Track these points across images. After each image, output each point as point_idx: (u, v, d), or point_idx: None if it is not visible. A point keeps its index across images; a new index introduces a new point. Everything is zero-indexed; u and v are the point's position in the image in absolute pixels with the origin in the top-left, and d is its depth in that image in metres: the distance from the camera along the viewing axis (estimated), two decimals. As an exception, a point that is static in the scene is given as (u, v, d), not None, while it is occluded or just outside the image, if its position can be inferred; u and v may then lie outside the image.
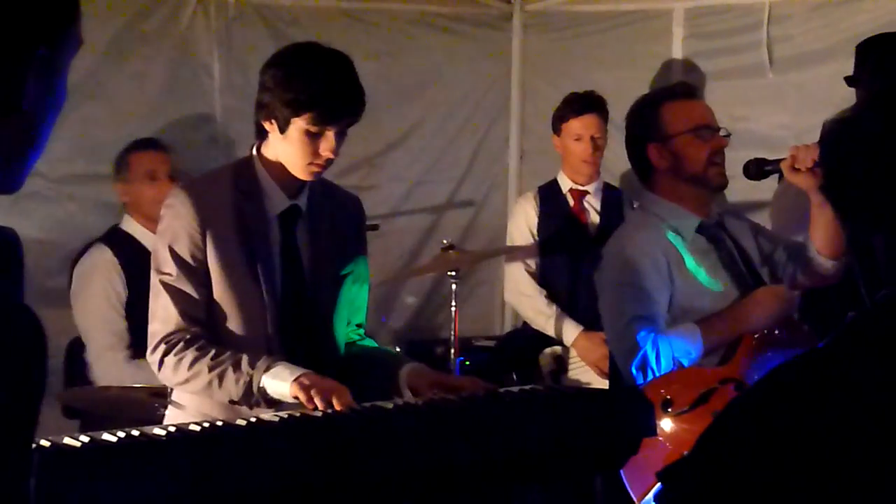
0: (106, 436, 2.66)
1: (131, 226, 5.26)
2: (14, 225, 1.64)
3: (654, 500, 3.70)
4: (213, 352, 3.42)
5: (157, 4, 5.94)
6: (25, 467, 1.49)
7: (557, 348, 5.80)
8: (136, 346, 5.12)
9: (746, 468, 1.58)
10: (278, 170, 3.53)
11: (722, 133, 4.12)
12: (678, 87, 4.40)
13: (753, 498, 1.56)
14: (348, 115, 3.45)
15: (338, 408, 3.14)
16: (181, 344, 3.44)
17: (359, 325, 3.78)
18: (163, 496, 2.51)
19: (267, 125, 3.48)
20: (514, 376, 5.75)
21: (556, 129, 5.90)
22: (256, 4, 6.20)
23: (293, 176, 3.52)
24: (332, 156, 3.45)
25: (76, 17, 1.54)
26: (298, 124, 3.41)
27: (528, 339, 5.93)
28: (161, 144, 5.38)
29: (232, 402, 3.41)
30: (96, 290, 5.16)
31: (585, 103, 5.80)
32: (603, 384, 5.33)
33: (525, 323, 6.04)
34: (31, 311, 1.47)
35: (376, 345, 3.85)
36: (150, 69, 5.92)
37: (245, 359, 3.37)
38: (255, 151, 3.58)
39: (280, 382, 3.31)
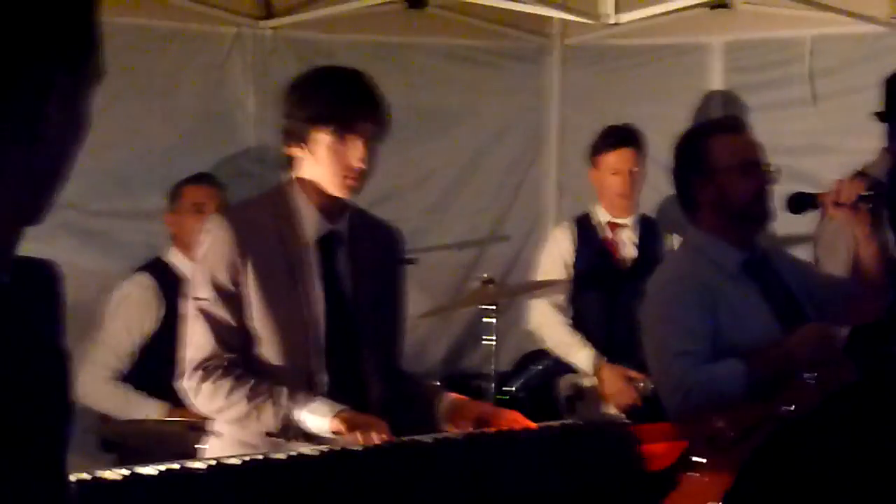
0: (145, 469, 2.65)
1: (175, 257, 5.29)
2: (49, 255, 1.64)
3: None
4: (252, 382, 3.39)
5: (195, 38, 5.96)
6: None
7: (575, 376, 5.76)
8: (140, 376, 5.17)
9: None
10: (315, 194, 3.52)
11: (770, 169, 4.08)
12: (726, 120, 4.36)
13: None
14: (368, 120, 3.45)
15: (377, 440, 3.12)
16: (220, 371, 3.42)
17: (397, 355, 3.76)
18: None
19: (297, 151, 3.49)
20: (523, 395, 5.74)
21: (593, 163, 5.86)
22: (292, 39, 6.24)
23: (331, 200, 3.51)
24: (362, 165, 3.44)
25: (97, 45, 1.53)
26: (323, 139, 3.42)
27: (542, 364, 5.93)
28: (213, 179, 5.44)
29: (269, 434, 3.39)
30: (124, 312, 5.20)
31: (621, 137, 5.77)
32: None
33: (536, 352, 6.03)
34: (63, 356, 1.46)
35: (414, 378, 3.83)
36: (187, 103, 5.94)
37: (284, 391, 3.35)
38: (291, 177, 3.58)
39: (319, 418, 3.29)
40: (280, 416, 3.33)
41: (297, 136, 3.46)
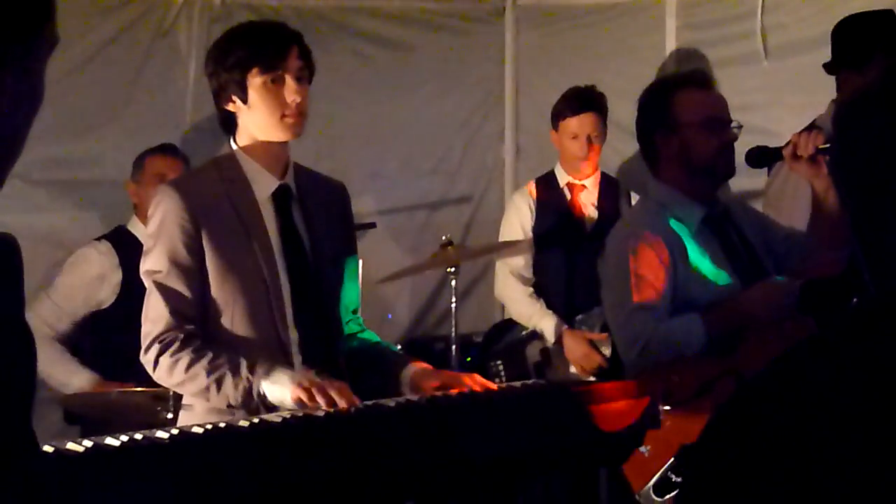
0: (109, 440, 2.64)
1: (136, 227, 5.26)
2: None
3: (656, 490, 3.70)
4: (210, 355, 3.38)
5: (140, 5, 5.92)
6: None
7: (542, 342, 5.79)
8: (95, 347, 5.20)
9: (750, 461, 1.57)
10: (259, 152, 3.53)
11: (733, 125, 4.10)
12: (692, 74, 4.34)
13: (762, 492, 1.55)
14: (294, 56, 3.47)
15: (341, 405, 3.12)
16: (176, 344, 3.41)
17: (355, 312, 3.76)
18: (167, 499, 2.50)
19: (231, 107, 3.51)
20: (501, 366, 5.75)
21: (554, 125, 5.88)
22: (242, 4, 6.18)
23: (275, 154, 3.54)
24: (297, 98, 3.45)
25: (51, 13, 1.52)
26: (255, 83, 3.45)
27: (514, 331, 5.94)
28: (176, 150, 5.44)
29: (230, 406, 3.38)
30: (79, 274, 5.18)
31: (583, 102, 5.77)
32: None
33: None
34: (26, 328, 1.45)
35: (377, 338, 3.82)
36: (135, 72, 5.89)
37: (244, 363, 3.34)
38: (232, 144, 3.58)
39: (280, 388, 3.28)
40: (241, 388, 3.32)
41: (228, 89, 3.48)
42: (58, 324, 5.17)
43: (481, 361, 5.88)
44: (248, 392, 3.31)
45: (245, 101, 3.46)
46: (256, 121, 3.48)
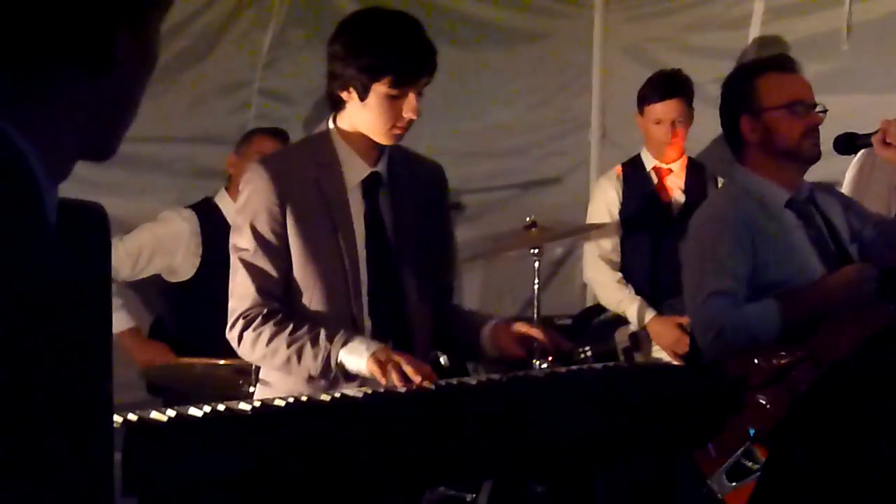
0: (192, 410, 2.67)
1: (224, 201, 5.30)
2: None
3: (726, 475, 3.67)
4: (290, 327, 3.41)
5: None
6: (108, 445, 1.48)
7: (631, 327, 5.78)
8: (179, 320, 5.28)
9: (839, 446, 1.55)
10: (357, 139, 3.51)
11: (818, 109, 4.06)
12: (776, 59, 4.32)
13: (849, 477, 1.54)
14: (427, 75, 3.43)
15: (414, 381, 3.13)
16: (259, 319, 3.44)
17: (449, 291, 3.77)
18: (248, 470, 2.52)
19: (344, 95, 3.47)
20: (589, 351, 5.74)
21: (640, 110, 5.86)
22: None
23: (372, 144, 3.51)
24: (414, 116, 3.43)
25: None
26: (378, 89, 3.40)
27: (603, 316, 5.93)
28: (284, 135, 5.43)
29: (311, 377, 3.41)
30: (158, 231, 5.21)
31: (669, 87, 5.74)
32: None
33: None
34: (109, 299, 1.46)
35: (465, 312, 3.83)
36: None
37: (322, 333, 3.37)
38: (331, 123, 3.57)
39: (357, 358, 3.30)
40: (320, 358, 3.34)
41: (349, 83, 3.44)
42: (120, 268, 5.17)
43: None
44: (327, 362, 3.33)
45: (362, 100, 3.44)
46: (365, 120, 3.47)
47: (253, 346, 3.45)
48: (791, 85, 4.09)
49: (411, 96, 3.40)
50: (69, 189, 1.52)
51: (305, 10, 5.92)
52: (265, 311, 3.45)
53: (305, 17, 5.91)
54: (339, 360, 3.33)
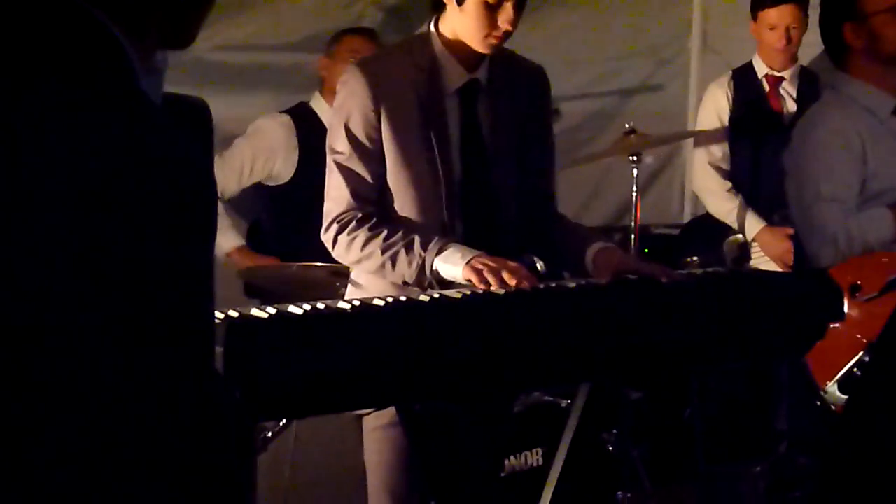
0: (292, 308, 2.69)
1: (319, 104, 5.29)
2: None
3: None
4: (385, 232, 3.40)
5: None
6: (209, 336, 1.50)
7: (740, 236, 5.72)
8: (274, 222, 5.31)
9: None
10: (456, 44, 3.47)
11: None
12: None
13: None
14: None
15: (511, 284, 3.11)
16: (353, 223, 3.44)
17: (549, 198, 3.74)
18: (348, 368, 2.54)
19: None
20: (697, 261, 5.69)
21: (753, 15, 5.76)
22: None
23: (472, 49, 3.46)
24: (510, 28, 3.37)
25: None
26: None
27: (712, 226, 5.86)
28: (374, 34, 5.39)
29: (405, 283, 3.41)
30: (256, 142, 5.23)
31: None
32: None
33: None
34: (214, 185, 1.47)
35: (569, 224, 3.77)
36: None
37: (417, 240, 3.35)
38: (431, 26, 3.54)
39: (452, 266, 3.28)
40: (414, 265, 3.34)
41: None
42: (226, 187, 5.22)
43: (676, 256, 5.82)
44: (421, 269, 3.32)
45: (459, 5, 3.40)
46: (462, 25, 3.43)
47: (347, 249, 3.46)
48: None
49: (508, 6, 3.35)
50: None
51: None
52: (359, 215, 3.45)
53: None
54: (434, 268, 3.32)
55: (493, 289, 3.11)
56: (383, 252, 3.39)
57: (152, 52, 1.50)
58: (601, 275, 3.34)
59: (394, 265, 3.37)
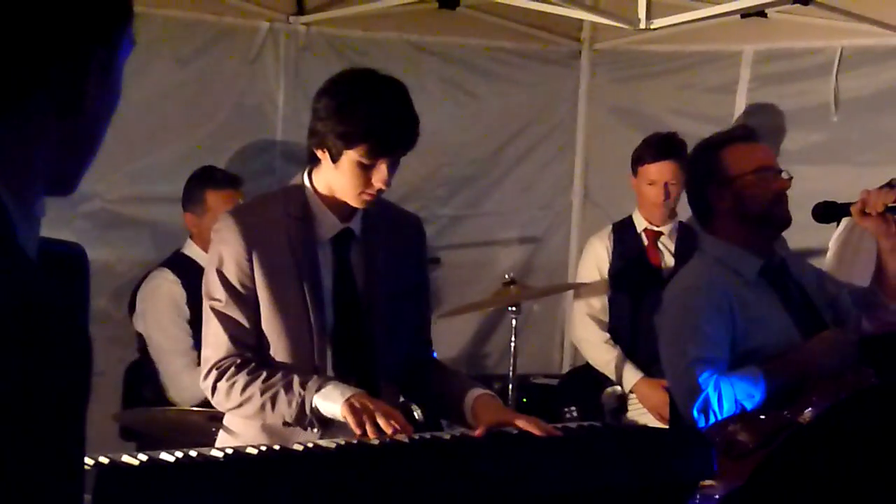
0: (164, 455, 2.67)
1: (193, 250, 5.28)
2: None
3: None
4: (264, 375, 3.40)
5: (227, 32, 5.97)
6: (78, 485, 1.48)
7: (618, 388, 5.78)
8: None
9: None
10: (330, 195, 3.50)
11: (784, 175, 4.11)
12: (739, 129, 4.43)
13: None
14: (401, 147, 3.40)
15: (387, 431, 3.12)
16: (232, 369, 3.43)
17: (425, 342, 3.76)
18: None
19: (319, 153, 3.44)
20: (575, 411, 5.73)
21: (634, 170, 5.87)
22: (328, 35, 6.23)
23: (344, 203, 3.51)
24: (384, 187, 3.40)
25: (130, 16, 1.54)
26: (351, 156, 3.35)
27: (590, 377, 5.92)
28: (238, 181, 5.38)
29: (286, 423, 3.39)
30: (164, 312, 5.19)
31: (663, 149, 5.75)
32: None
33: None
34: (88, 339, 1.47)
35: (446, 368, 3.81)
36: (216, 96, 5.95)
37: (296, 380, 3.35)
38: (306, 177, 3.56)
39: (331, 403, 3.28)
40: (294, 404, 3.33)
41: (324, 143, 3.40)
42: (190, 360, 5.15)
43: (555, 406, 5.85)
44: (301, 407, 3.32)
45: (334, 162, 3.41)
46: (336, 181, 3.44)
47: (227, 395, 3.44)
48: (756, 152, 4.16)
49: (382, 167, 3.36)
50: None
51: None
52: (238, 360, 3.44)
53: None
54: (313, 405, 3.32)
55: (369, 434, 3.11)
56: (262, 393, 3.38)
57: (37, 200, 1.50)
58: (479, 422, 3.35)
59: (273, 405, 3.36)
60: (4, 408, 1.29)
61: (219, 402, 3.50)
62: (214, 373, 3.45)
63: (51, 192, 1.54)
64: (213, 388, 3.46)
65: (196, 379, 4.98)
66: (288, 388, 3.36)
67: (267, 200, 3.73)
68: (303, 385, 3.34)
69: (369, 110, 3.34)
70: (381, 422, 3.14)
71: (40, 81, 1.44)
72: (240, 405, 3.44)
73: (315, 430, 3.36)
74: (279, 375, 3.39)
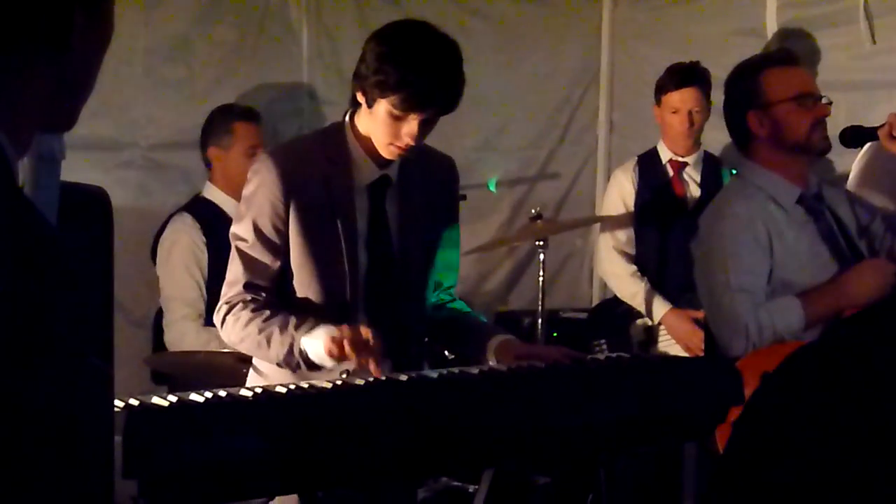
0: (193, 396, 2.68)
1: (214, 193, 5.27)
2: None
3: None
4: (267, 314, 3.41)
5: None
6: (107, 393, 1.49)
7: (647, 320, 5.78)
8: (210, 313, 5.19)
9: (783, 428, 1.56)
10: (368, 140, 3.49)
11: (824, 101, 4.07)
12: (779, 53, 4.35)
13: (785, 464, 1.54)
14: (433, 106, 3.35)
15: (370, 367, 3.15)
16: (240, 304, 3.45)
17: (450, 288, 3.76)
18: (249, 456, 2.52)
19: (359, 96, 3.44)
20: (605, 345, 5.73)
21: (657, 100, 5.86)
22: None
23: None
24: (412, 142, 3.38)
25: None
26: (384, 105, 3.34)
27: (619, 310, 5.92)
28: (260, 117, 5.38)
29: (279, 364, 3.41)
30: (178, 259, 5.18)
31: (686, 76, 5.73)
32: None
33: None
34: (111, 286, 1.47)
35: (468, 308, 3.80)
36: (239, 37, 5.90)
37: (293, 320, 3.36)
38: (347, 119, 3.56)
39: (316, 341, 3.29)
40: (286, 344, 3.34)
41: (363, 87, 3.39)
42: (194, 311, 5.16)
43: (584, 339, 5.86)
44: (290, 348, 3.33)
45: (369, 108, 3.40)
46: (370, 127, 3.44)
47: (231, 330, 3.47)
48: (797, 78, 4.10)
49: (413, 122, 3.35)
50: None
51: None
52: (248, 297, 3.46)
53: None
54: (301, 348, 3.32)
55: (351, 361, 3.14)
56: (260, 332, 3.40)
57: (31, 138, 1.50)
58: (505, 361, 3.37)
59: (268, 344, 3.38)
60: (23, 363, 1.29)
61: (225, 336, 3.52)
62: (225, 307, 3.48)
63: (48, 130, 1.55)
64: (223, 322, 3.49)
65: (192, 330, 5.04)
66: (283, 328, 3.37)
67: (305, 142, 3.73)
68: (297, 327, 3.35)
69: (407, 62, 3.32)
70: (362, 358, 3.17)
71: (25, 17, 1.43)
72: (241, 340, 3.46)
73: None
74: (280, 315, 3.39)
